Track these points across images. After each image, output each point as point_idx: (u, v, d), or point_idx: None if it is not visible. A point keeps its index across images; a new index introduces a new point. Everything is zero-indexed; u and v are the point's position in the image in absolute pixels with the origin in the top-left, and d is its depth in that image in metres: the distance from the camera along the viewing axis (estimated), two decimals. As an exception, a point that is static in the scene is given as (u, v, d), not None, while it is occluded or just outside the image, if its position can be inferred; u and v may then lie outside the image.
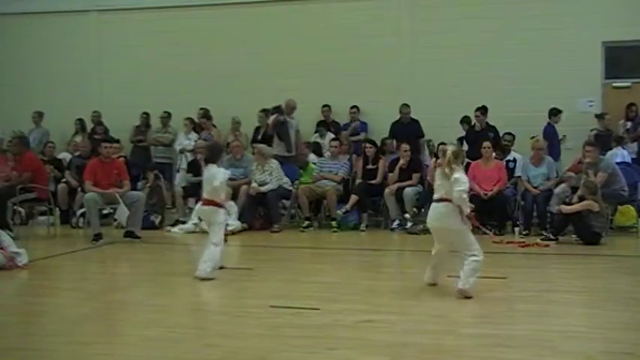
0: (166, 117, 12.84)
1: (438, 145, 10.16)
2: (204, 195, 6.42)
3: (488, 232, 8.58)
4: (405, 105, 11.75)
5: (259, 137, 11.88)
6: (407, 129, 11.56)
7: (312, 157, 11.51)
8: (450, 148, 5.43)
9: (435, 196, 5.51)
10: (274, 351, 4.01)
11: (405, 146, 10.49)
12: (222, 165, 6.75)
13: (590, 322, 4.72)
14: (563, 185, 9.48)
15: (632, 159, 10.79)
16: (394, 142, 11.60)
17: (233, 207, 9.88)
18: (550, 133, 11.18)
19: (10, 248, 6.82)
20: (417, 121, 11.71)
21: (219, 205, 6.40)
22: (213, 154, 6.60)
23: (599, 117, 11.38)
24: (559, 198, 9.15)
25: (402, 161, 10.36)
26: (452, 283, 5.70)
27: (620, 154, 10.52)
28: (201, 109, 12.60)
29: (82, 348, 4.12)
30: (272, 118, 11.51)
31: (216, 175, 6.34)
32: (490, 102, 11.23)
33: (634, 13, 11.48)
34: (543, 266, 7.29)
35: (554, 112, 11.24)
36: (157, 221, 10.52)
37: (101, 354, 4.03)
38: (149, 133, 13.02)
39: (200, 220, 9.98)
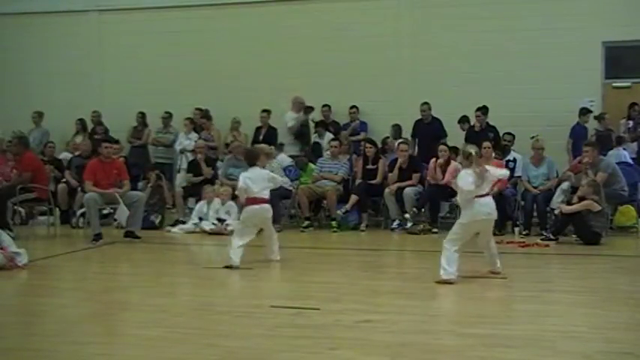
0: (168, 117, 12.82)
1: (439, 144, 10.17)
2: (258, 194, 6.80)
3: None
4: (425, 103, 11.56)
5: (261, 137, 11.88)
6: (428, 128, 11.47)
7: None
8: (473, 150, 6.05)
9: (481, 192, 5.99)
10: (274, 351, 4.00)
11: (404, 146, 10.48)
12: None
13: (590, 322, 4.72)
14: (568, 182, 9.46)
15: (632, 159, 10.77)
16: (394, 142, 11.59)
17: (233, 207, 9.89)
18: (579, 132, 11.13)
19: (10, 248, 6.80)
20: (438, 120, 11.55)
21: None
22: (252, 157, 7.11)
23: (599, 118, 11.36)
24: (565, 194, 9.12)
25: (400, 160, 10.35)
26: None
27: (620, 155, 10.50)
28: (197, 109, 12.60)
29: (82, 348, 4.11)
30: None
31: (270, 174, 7.11)
32: (490, 102, 11.23)
33: (634, 13, 11.47)
34: (543, 266, 7.29)
35: (584, 112, 11.22)
36: (157, 221, 10.52)
37: (101, 354, 4.02)
38: (146, 132, 13.02)
39: (200, 219, 10.04)
